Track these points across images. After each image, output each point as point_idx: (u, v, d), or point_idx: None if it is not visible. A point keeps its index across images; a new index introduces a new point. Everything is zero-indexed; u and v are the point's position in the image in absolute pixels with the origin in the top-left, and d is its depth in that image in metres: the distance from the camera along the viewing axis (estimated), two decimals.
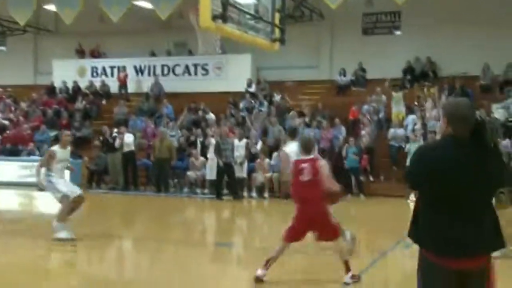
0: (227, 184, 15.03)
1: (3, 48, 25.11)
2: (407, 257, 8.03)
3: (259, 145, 15.94)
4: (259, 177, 15.00)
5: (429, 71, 19.40)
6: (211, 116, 18.57)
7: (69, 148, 8.88)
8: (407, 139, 15.45)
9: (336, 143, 15.74)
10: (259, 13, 7.37)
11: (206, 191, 15.55)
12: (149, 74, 22.80)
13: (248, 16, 7.10)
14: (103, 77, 23.25)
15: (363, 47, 20.40)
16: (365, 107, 17.46)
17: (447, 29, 18.93)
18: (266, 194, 14.83)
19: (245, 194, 14.96)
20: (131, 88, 22.50)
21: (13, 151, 18.98)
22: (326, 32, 21.36)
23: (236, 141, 15.02)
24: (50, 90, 23.35)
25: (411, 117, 16.41)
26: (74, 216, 8.65)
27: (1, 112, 21.70)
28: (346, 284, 6.02)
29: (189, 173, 15.85)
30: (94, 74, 23.59)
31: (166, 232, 10.37)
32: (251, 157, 15.47)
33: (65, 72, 23.47)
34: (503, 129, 15.12)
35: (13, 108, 22.14)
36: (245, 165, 15.03)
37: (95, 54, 24.26)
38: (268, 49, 8.08)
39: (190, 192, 15.70)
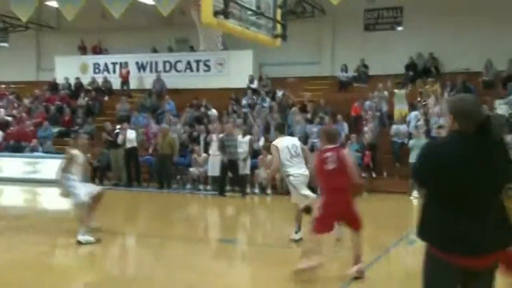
0: (231, 181, 15.03)
1: (5, 44, 25.09)
2: (410, 254, 8.05)
3: (261, 142, 15.93)
4: (262, 174, 14.99)
5: (431, 67, 19.32)
6: (213, 112, 18.58)
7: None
8: (409, 135, 15.40)
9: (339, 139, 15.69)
10: (260, 9, 7.35)
11: (208, 187, 15.57)
12: (151, 70, 22.81)
13: (249, 12, 7.08)
14: (105, 73, 23.27)
15: (365, 43, 20.35)
16: (367, 103, 17.38)
17: (449, 25, 18.87)
18: (269, 191, 14.79)
19: (248, 190, 14.95)
20: (133, 84, 22.53)
21: (16, 148, 19.02)
22: (328, 28, 21.31)
23: (239, 138, 15.01)
24: (53, 86, 23.40)
25: (414, 113, 16.34)
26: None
27: (4, 109, 21.76)
28: (352, 276, 5.97)
29: (191, 169, 15.87)
30: (96, 70, 23.60)
31: (169, 228, 10.37)
32: (254, 153, 15.46)
33: (67, 69, 23.49)
34: (506, 125, 15.07)
35: (16, 105, 22.22)
36: (249, 161, 15.04)
37: (97, 50, 24.27)
38: (270, 45, 8.04)
39: (193, 189, 15.72)
